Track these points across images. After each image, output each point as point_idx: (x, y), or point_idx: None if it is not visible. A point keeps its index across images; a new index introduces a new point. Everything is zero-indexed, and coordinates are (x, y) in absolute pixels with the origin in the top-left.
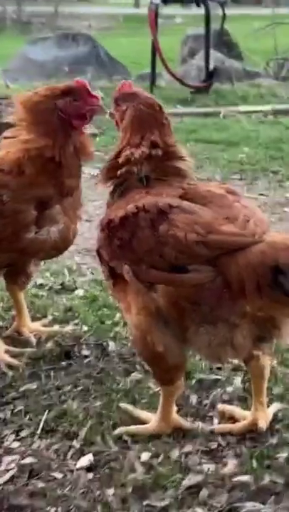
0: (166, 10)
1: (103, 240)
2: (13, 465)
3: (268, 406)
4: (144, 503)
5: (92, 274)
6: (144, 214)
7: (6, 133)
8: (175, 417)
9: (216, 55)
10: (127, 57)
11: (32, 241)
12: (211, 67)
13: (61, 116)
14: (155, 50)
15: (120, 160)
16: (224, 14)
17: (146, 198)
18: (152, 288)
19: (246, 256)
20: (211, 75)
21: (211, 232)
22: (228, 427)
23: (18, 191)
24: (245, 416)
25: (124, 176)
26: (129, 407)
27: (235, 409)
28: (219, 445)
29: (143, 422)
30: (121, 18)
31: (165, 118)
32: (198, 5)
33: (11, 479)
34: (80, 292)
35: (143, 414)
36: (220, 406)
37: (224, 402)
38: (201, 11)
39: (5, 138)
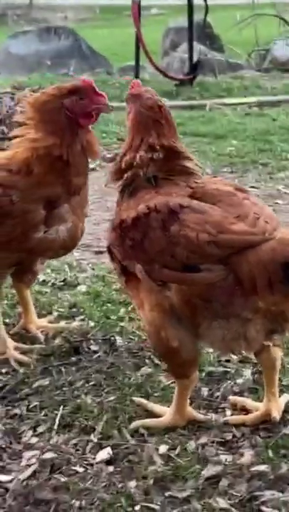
0: (142, 1)
1: (115, 240)
2: (34, 460)
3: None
4: (166, 494)
5: (93, 269)
6: (155, 214)
7: (15, 132)
8: (189, 409)
9: (198, 47)
10: (106, 49)
11: (41, 240)
12: (195, 59)
13: (68, 115)
14: (138, 42)
15: (122, 165)
16: (207, 7)
17: (156, 198)
18: (165, 286)
19: (257, 254)
20: (195, 68)
21: (222, 232)
22: (241, 418)
23: (26, 191)
24: (256, 407)
25: (131, 177)
26: (143, 401)
27: (247, 401)
28: (234, 436)
29: (157, 416)
30: (97, 9)
31: (164, 118)
32: None
33: (34, 474)
34: (82, 288)
35: (157, 407)
36: (231, 398)
37: (235, 393)
38: (178, 1)
39: (13, 137)
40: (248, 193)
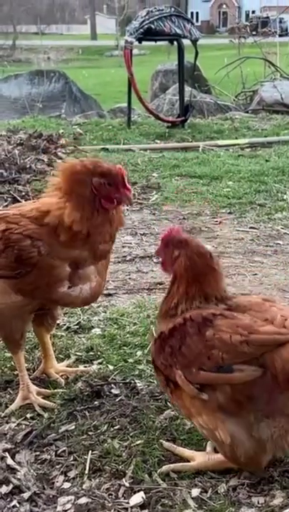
0: (123, 41)
1: (157, 350)
2: (69, 505)
3: None
4: None
5: (105, 312)
6: (191, 322)
7: (46, 192)
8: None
9: (187, 90)
10: (90, 90)
11: (64, 294)
12: (186, 102)
13: (93, 192)
14: (131, 87)
15: (179, 312)
16: (196, 51)
17: (191, 311)
18: (203, 389)
19: (288, 350)
20: (186, 110)
21: (252, 333)
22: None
23: (53, 249)
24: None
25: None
26: (172, 445)
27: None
28: (262, 478)
29: (187, 460)
30: (79, 50)
31: (216, 265)
32: (171, 43)
33: None
34: (97, 331)
35: (186, 451)
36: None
37: None
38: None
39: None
40: (275, 302)
